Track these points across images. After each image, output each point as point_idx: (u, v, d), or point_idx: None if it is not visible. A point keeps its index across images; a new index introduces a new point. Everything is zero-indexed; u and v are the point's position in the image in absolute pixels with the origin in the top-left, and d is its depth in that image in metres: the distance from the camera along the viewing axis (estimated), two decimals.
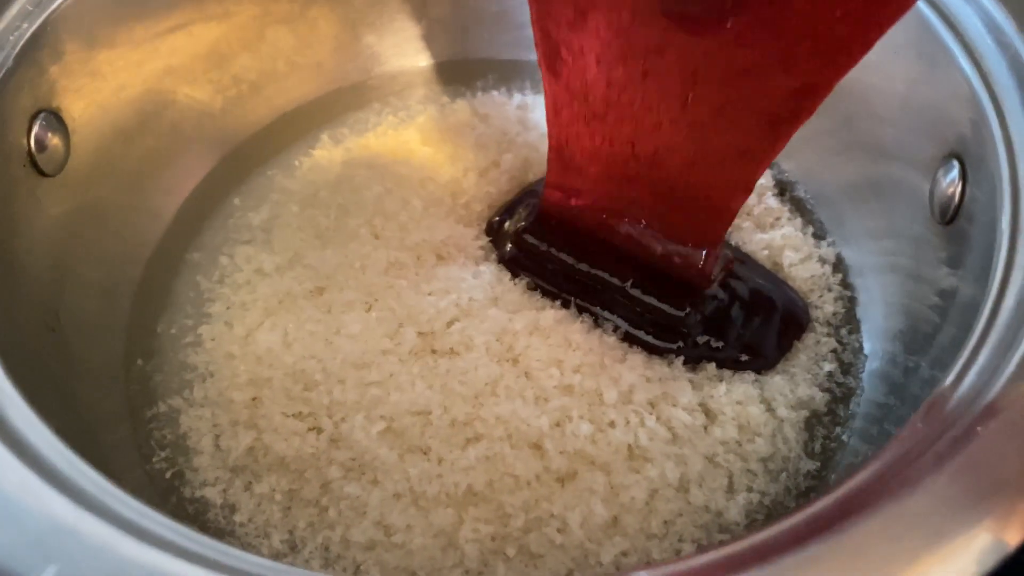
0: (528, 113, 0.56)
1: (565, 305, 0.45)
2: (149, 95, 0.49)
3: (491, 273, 0.47)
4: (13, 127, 0.40)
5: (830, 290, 0.48)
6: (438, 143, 0.54)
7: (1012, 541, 0.24)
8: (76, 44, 0.43)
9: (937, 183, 0.40)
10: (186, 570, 0.25)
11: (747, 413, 0.41)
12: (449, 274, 0.46)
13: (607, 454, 0.39)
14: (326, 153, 0.55)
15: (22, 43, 0.40)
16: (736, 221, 0.50)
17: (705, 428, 0.41)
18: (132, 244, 0.49)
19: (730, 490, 0.40)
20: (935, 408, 0.29)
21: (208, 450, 0.42)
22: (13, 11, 0.41)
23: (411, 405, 0.40)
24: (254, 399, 0.42)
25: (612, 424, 0.40)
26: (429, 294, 0.45)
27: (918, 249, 0.42)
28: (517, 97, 0.58)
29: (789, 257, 0.49)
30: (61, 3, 0.42)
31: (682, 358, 0.44)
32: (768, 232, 0.50)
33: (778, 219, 0.51)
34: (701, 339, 0.44)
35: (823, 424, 0.43)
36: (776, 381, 0.44)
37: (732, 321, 0.45)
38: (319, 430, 0.41)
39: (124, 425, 0.43)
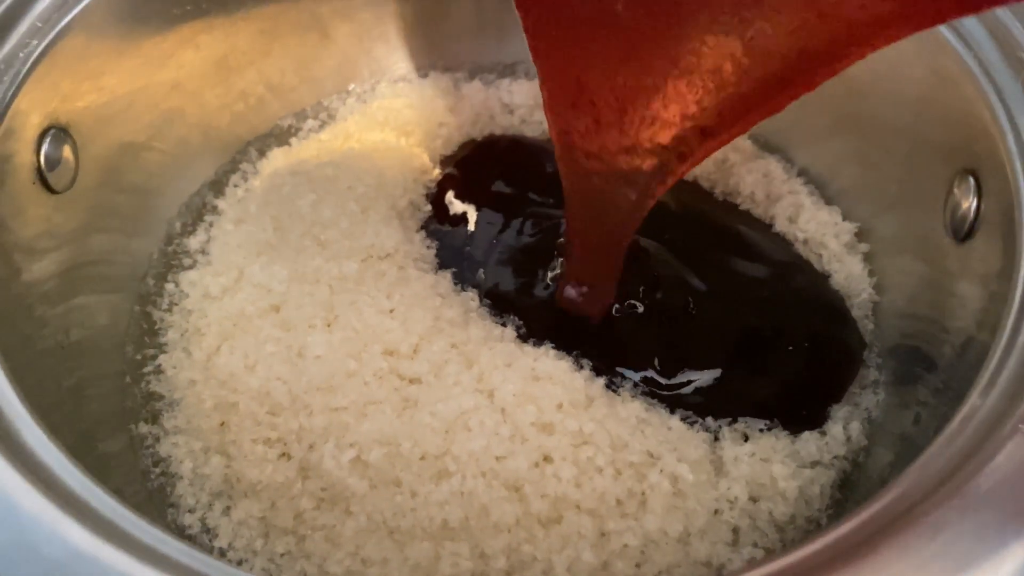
0: (461, 99, 0.55)
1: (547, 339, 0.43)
2: (157, 110, 0.49)
3: (456, 291, 0.45)
4: (23, 144, 0.40)
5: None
6: (363, 141, 0.53)
7: None
8: (85, 60, 0.43)
9: (952, 198, 0.40)
10: None
11: (769, 472, 0.38)
12: (413, 290, 0.44)
13: (593, 500, 0.37)
14: (250, 166, 0.54)
15: (31, 60, 0.40)
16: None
17: (711, 482, 0.38)
18: (136, 258, 0.49)
19: (734, 544, 0.37)
20: (960, 429, 0.28)
21: (188, 476, 0.41)
22: (23, 28, 0.41)
23: (380, 435, 0.38)
24: (222, 424, 0.41)
25: (600, 470, 0.37)
26: (391, 311, 0.43)
27: (936, 264, 0.41)
28: (445, 80, 0.57)
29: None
30: (70, 19, 0.42)
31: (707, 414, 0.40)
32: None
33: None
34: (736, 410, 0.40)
35: (860, 468, 0.40)
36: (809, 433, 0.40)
37: (772, 374, 0.41)
38: (288, 456, 0.39)
39: (123, 439, 0.43)
